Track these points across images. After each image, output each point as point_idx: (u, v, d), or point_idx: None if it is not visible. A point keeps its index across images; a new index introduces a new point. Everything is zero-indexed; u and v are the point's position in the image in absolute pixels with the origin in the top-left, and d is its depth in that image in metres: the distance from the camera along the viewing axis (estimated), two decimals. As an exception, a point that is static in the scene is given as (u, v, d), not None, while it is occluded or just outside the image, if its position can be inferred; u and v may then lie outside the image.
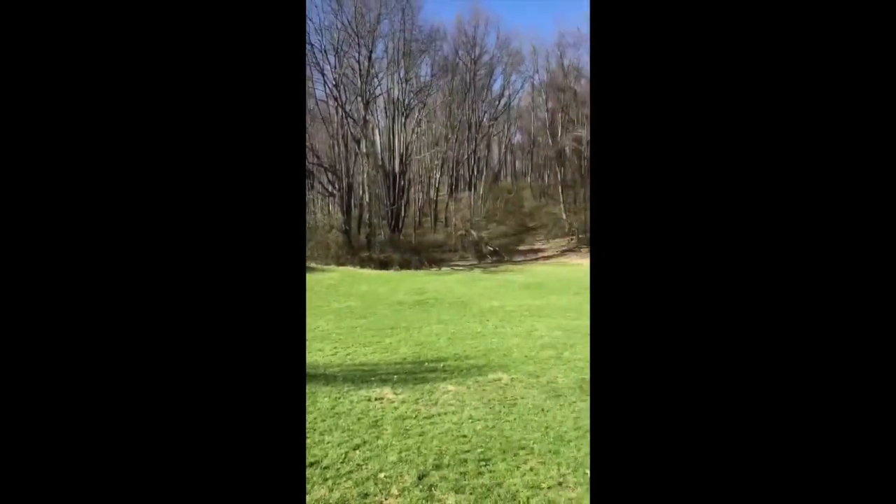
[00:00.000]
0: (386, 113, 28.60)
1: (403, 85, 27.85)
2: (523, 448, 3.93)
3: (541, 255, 25.70)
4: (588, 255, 23.70)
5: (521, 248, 27.14)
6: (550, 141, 31.39)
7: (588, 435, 4.19)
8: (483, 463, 3.67)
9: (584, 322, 9.39)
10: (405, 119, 27.64)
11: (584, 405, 4.93)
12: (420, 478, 3.43)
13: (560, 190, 29.86)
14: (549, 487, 3.31)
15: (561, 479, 3.42)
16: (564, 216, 28.58)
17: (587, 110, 29.80)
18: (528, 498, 3.18)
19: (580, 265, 21.42)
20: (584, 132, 29.07)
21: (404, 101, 27.72)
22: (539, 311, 10.95)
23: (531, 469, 3.57)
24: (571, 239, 26.84)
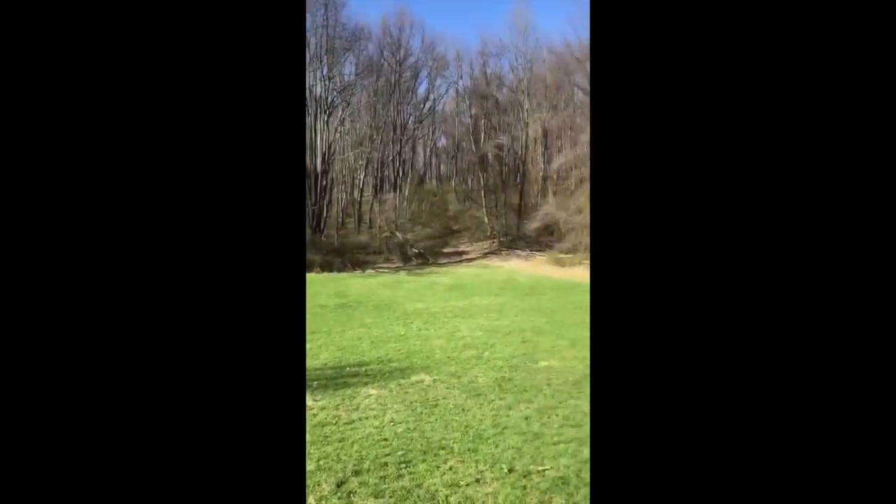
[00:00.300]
0: (308, 110, 27.66)
1: (326, 83, 27.10)
2: (443, 448, 4.00)
3: (465, 257, 26.22)
4: (508, 257, 24.56)
5: (446, 250, 27.50)
6: (474, 146, 32.19)
7: (505, 431, 4.36)
8: (403, 465, 3.68)
9: (504, 322, 9.74)
10: (328, 117, 26.90)
11: (503, 402, 5.12)
12: (339, 485, 3.37)
13: (483, 194, 30.69)
14: (467, 485, 3.40)
15: (479, 476, 3.53)
16: (487, 220, 29.42)
17: (508, 118, 30.95)
18: (446, 496, 3.25)
19: (501, 267, 22.16)
20: (505, 139, 30.14)
21: (327, 98, 26.97)
22: (462, 312, 11.18)
23: (450, 468, 3.65)
24: (493, 242, 27.68)
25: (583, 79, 28.42)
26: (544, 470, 3.61)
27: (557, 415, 4.76)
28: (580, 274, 18.32)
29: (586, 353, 7.18)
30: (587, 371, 6.28)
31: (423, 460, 3.77)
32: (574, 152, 24.02)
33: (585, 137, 23.20)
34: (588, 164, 23.60)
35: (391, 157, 30.98)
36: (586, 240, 21.92)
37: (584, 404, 5.05)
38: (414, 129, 33.32)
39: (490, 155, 30.83)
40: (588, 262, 20.32)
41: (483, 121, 32.44)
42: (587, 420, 4.60)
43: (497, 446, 4.03)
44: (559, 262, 20.81)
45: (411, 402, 5.14)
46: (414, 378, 6.05)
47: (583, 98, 29.29)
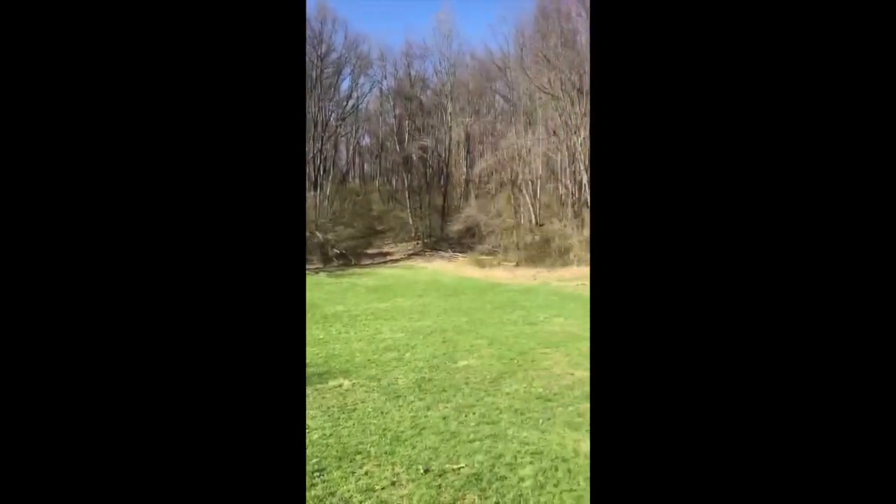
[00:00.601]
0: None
1: (241, 73, 25.51)
2: (360, 453, 3.95)
3: (389, 258, 26.03)
4: (432, 258, 24.77)
5: (369, 251, 27.12)
6: (398, 147, 32.07)
7: (423, 432, 4.40)
8: (317, 473, 3.58)
9: (426, 323, 9.80)
10: (243, 110, 25.35)
11: (422, 403, 5.16)
12: (246, 500, 3.20)
13: (407, 195, 30.68)
14: (382, 488, 3.39)
15: (394, 479, 3.53)
16: (411, 221, 29.45)
17: (432, 120, 31.21)
18: (360, 502, 3.21)
19: (425, 268, 22.30)
20: (429, 141, 30.38)
21: (242, 90, 25.40)
22: (384, 313, 11.09)
23: (366, 473, 3.61)
24: (417, 243, 27.77)
25: (503, 86, 29.44)
26: (459, 468, 3.69)
27: (474, 413, 4.89)
28: (499, 274, 18.95)
29: (503, 350, 7.44)
30: (504, 368, 6.52)
31: (339, 467, 3.69)
32: (495, 157, 24.80)
33: (506, 143, 24.05)
34: (508, 168, 24.49)
35: (312, 155, 29.93)
36: (505, 241, 22.73)
37: (500, 401, 5.23)
38: (336, 127, 32.46)
39: (414, 156, 30.90)
40: (506, 262, 21.07)
41: (407, 122, 32.44)
42: (503, 416, 4.77)
43: (414, 447, 4.05)
44: (480, 264, 21.37)
45: (328, 408, 5.01)
46: (332, 383, 5.91)
47: (503, 105, 30.33)
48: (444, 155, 30.71)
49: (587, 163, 21.37)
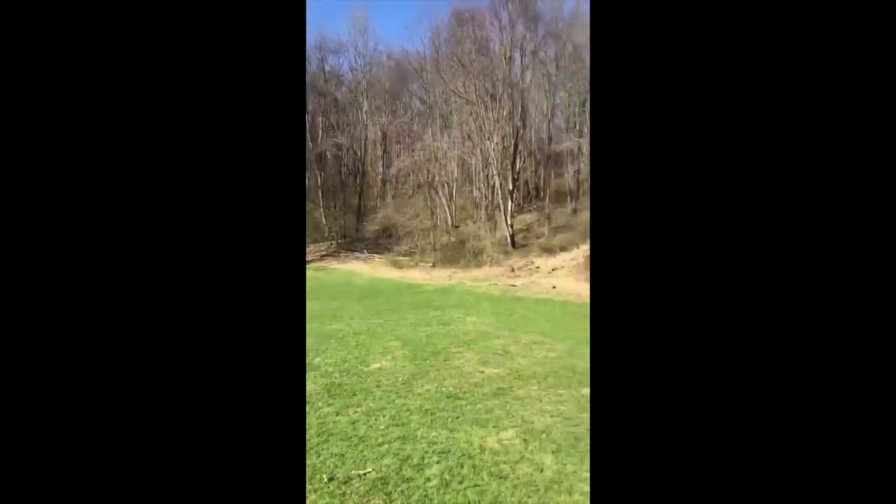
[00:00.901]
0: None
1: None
2: (259, 466, 3.72)
3: (300, 259, 24.97)
4: (346, 259, 24.20)
5: (279, 252, 25.83)
6: (310, 143, 30.90)
7: (330, 439, 4.26)
8: (210, 493, 3.31)
9: (337, 326, 9.53)
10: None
11: (331, 409, 5.00)
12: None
13: (320, 194, 29.68)
14: (282, 502, 3.22)
15: (296, 491, 3.37)
16: (324, 221, 28.53)
17: (347, 118, 30.52)
18: (258, 519, 3.02)
19: (338, 269, 21.71)
20: (344, 139, 29.65)
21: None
22: (293, 318, 10.61)
23: (265, 487, 3.41)
24: (331, 244, 26.97)
25: (420, 88, 29.62)
26: (366, 473, 3.62)
27: (384, 416, 4.83)
28: (416, 275, 19.02)
29: (417, 351, 7.45)
30: (416, 369, 6.52)
31: (235, 484, 3.45)
32: (412, 158, 24.84)
33: (422, 144, 24.21)
34: (424, 170, 24.66)
35: (215, 149, 27.84)
36: (422, 242, 22.87)
37: (411, 402, 5.23)
38: (243, 120, 30.52)
39: (328, 153, 29.99)
40: (423, 263, 21.21)
41: (321, 118, 31.42)
42: (413, 418, 4.76)
43: (319, 455, 3.91)
44: (397, 265, 21.29)
45: (226, 421, 4.67)
46: (232, 393, 5.52)
47: (420, 107, 30.53)
48: (359, 153, 30.17)
49: (500, 167, 22.17)
